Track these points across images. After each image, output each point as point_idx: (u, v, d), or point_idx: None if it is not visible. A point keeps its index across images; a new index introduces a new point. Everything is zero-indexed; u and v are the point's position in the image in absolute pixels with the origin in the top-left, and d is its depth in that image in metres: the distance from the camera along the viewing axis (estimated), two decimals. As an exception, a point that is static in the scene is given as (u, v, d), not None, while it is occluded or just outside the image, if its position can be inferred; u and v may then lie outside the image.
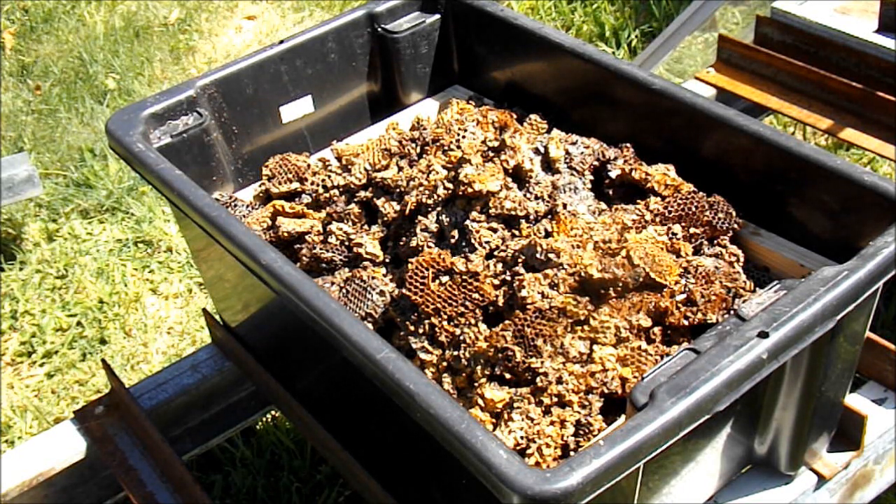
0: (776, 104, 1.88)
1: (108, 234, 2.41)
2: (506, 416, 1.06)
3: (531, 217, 1.23)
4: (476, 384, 1.10)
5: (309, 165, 1.45)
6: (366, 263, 1.27)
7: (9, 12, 3.41)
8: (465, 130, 1.32)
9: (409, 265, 1.15)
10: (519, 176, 1.27)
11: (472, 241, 1.20)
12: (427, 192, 1.25)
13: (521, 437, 1.04)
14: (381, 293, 1.20)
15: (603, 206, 1.30)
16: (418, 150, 1.40)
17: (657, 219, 1.25)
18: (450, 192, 1.24)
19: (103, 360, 1.55)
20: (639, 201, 1.28)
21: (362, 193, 1.36)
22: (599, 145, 1.35)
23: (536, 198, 1.25)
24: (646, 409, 0.86)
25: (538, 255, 1.14)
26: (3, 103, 2.95)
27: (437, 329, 1.12)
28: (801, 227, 1.21)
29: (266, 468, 1.80)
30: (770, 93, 1.90)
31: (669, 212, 1.24)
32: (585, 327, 1.10)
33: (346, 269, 1.29)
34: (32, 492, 1.43)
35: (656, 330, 1.13)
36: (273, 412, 1.80)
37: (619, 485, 0.86)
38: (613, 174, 1.32)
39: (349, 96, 1.60)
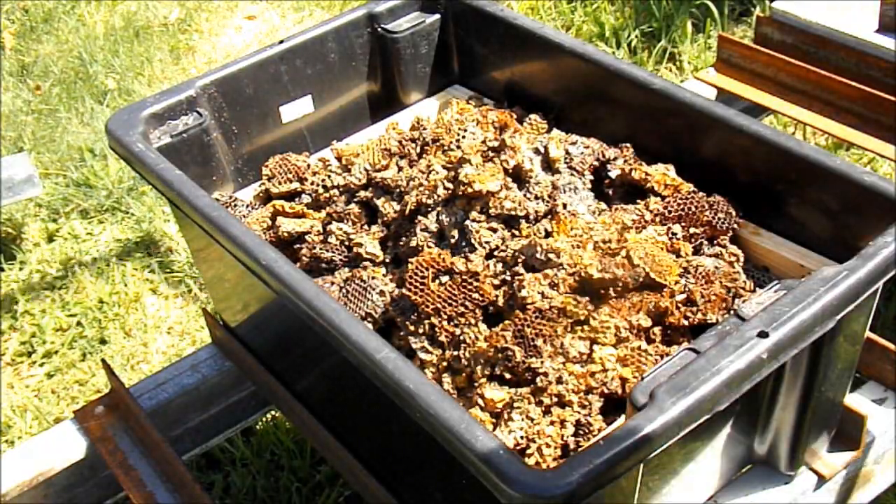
0: (776, 104, 1.88)
1: (108, 234, 2.41)
2: (506, 416, 1.06)
3: (531, 217, 1.24)
4: (476, 384, 1.10)
5: (309, 165, 1.45)
6: (366, 263, 1.27)
7: (9, 12, 3.41)
8: (465, 130, 1.32)
9: (409, 265, 1.15)
10: (519, 176, 1.27)
11: (472, 241, 1.20)
12: (427, 192, 1.25)
13: (521, 437, 1.05)
14: (381, 293, 1.20)
15: (603, 206, 1.30)
16: (418, 150, 1.40)
17: (657, 219, 1.25)
18: (450, 192, 1.24)
19: (103, 360, 1.55)
20: (639, 201, 1.28)
21: (362, 193, 1.36)
22: (599, 145, 1.35)
23: (536, 198, 1.25)
24: (646, 409, 0.86)
25: (538, 255, 1.14)
26: (3, 103, 2.95)
27: (437, 329, 1.12)
28: (801, 227, 1.21)
29: (266, 468, 1.80)
30: (770, 93, 1.90)
31: (669, 212, 1.24)
32: (585, 327, 1.10)
33: (346, 269, 1.29)
34: (32, 492, 1.43)
35: (656, 330, 1.13)
36: (273, 412, 1.80)
37: (619, 485, 0.86)
38: (613, 174, 1.32)
39: (349, 96, 1.60)
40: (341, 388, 1.28)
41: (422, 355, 1.13)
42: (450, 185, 1.24)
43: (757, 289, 1.18)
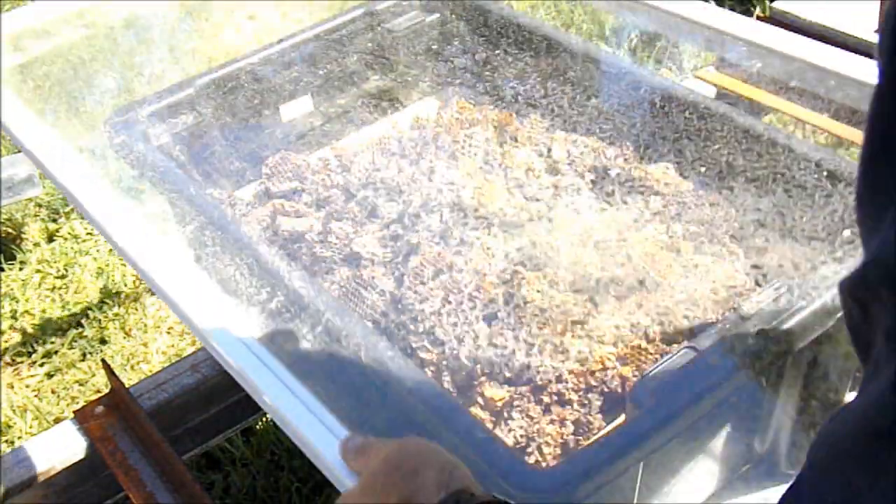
0: (776, 103, 1.88)
1: (108, 234, 2.41)
2: (506, 414, 1.06)
3: (532, 216, 1.23)
4: (476, 382, 1.10)
5: (309, 164, 1.45)
6: (366, 263, 1.27)
7: (9, 12, 3.41)
8: (465, 129, 1.32)
9: (409, 264, 1.15)
10: (520, 175, 1.27)
11: (472, 239, 1.20)
12: (427, 191, 1.25)
13: (521, 436, 1.04)
14: (381, 292, 1.20)
15: (603, 204, 1.30)
16: (418, 149, 1.40)
17: (657, 217, 1.25)
18: (450, 191, 1.24)
19: (103, 360, 1.55)
20: (638, 199, 1.28)
21: (362, 193, 1.36)
22: (599, 144, 1.35)
23: (538, 199, 1.25)
24: (646, 407, 0.86)
25: (538, 254, 1.14)
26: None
27: (436, 328, 1.12)
28: (801, 225, 1.21)
29: (266, 468, 1.79)
30: (770, 91, 1.90)
31: (669, 210, 1.24)
32: (585, 326, 1.10)
33: (346, 269, 1.29)
34: (32, 492, 1.43)
35: (656, 328, 1.12)
36: (273, 412, 1.80)
37: (618, 484, 0.86)
38: (613, 173, 1.32)
39: (349, 96, 1.60)
40: (341, 387, 1.28)
41: (422, 354, 1.13)
42: (450, 185, 1.24)
43: (757, 287, 1.18)
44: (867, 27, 1.88)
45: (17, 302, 2.24)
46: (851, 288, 0.43)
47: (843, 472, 0.38)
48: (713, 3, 2.78)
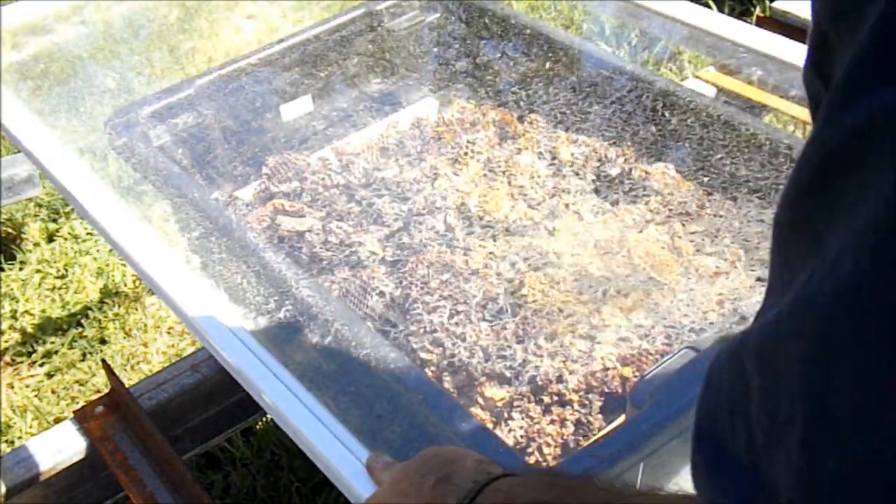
0: (776, 103, 1.88)
1: (108, 234, 2.41)
2: (506, 414, 1.06)
3: (533, 216, 1.23)
4: (476, 383, 1.10)
5: (309, 164, 1.45)
6: (366, 263, 1.27)
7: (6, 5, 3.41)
8: (466, 130, 1.32)
9: (410, 264, 1.15)
10: (520, 175, 1.27)
11: (473, 239, 1.20)
12: (427, 191, 1.25)
13: (521, 436, 1.04)
14: (381, 293, 1.20)
15: (604, 205, 1.30)
16: (419, 149, 1.40)
17: (657, 217, 1.25)
18: (451, 191, 1.24)
19: (103, 360, 1.55)
20: (639, 200, 1.28)
21: (362, 192, 1.36)
22: (600, 144, 1.34)
23: (538, 199, 1.25)
24: (646, 407, 0.86)
25: (539, 255, 1.14)
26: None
27: (437, 328, 1.12)
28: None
29: (266, 468, 1.79)
30: (770, 92, 1.90)
31: (670, 210, 1.24)
32: (586, 326, 1.10)
33: (347, 269, 1.29)
34: (32, 492, 1.43)
35: (657, 329, 1.12)
36: (273, 412, 1.80)
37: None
38: (614, 173, 1.32)
39: (349, 96, 1.60)
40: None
41: (422, 354, 1.13)
42: (451, 185, 1.24)
43: (757, 287, 1.18)
44: (867, 27, 1.88)
45: (17, 302, 2.24)
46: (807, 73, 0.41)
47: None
48: (713, 4, 2.78)
